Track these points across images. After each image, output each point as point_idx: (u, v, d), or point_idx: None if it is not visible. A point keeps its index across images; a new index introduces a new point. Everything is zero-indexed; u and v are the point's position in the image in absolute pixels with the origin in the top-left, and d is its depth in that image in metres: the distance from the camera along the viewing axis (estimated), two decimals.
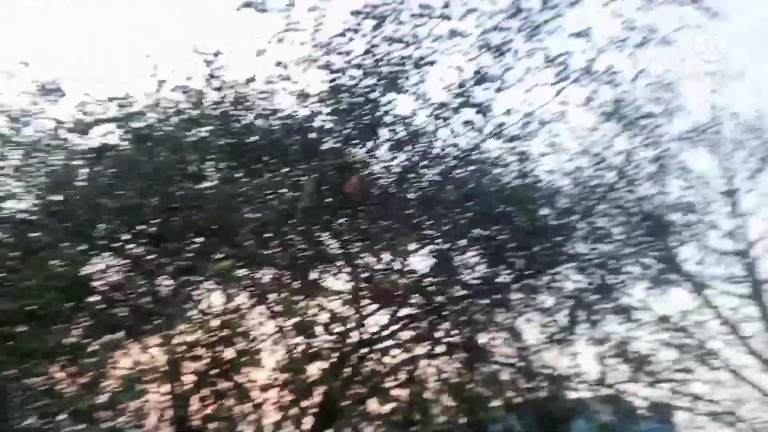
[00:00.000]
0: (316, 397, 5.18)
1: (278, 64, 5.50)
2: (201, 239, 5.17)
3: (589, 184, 7.04)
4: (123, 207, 5.17)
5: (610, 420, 6.96)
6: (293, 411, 5.04)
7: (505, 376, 6.58)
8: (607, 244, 7.00)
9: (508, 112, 6.04)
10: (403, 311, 6.14)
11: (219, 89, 5.50)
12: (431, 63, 5.97)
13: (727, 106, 10.74)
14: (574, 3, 5.32)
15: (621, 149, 7.20)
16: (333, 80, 5.81)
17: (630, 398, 6.97)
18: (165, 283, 5.30)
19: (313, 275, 5.70)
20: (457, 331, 6.37)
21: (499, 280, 6.55)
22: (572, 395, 6.85)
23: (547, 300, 6.89)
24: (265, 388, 5.00)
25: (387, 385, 5.67)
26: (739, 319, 9.79)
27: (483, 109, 6.01)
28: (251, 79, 5.53)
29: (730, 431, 7.50)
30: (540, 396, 6.49)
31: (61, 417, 4.50)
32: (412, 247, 6.26)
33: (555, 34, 5.57)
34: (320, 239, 5.86)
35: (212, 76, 5.44)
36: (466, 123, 6.03)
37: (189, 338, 4.83)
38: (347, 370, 5.37)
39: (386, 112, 6.05)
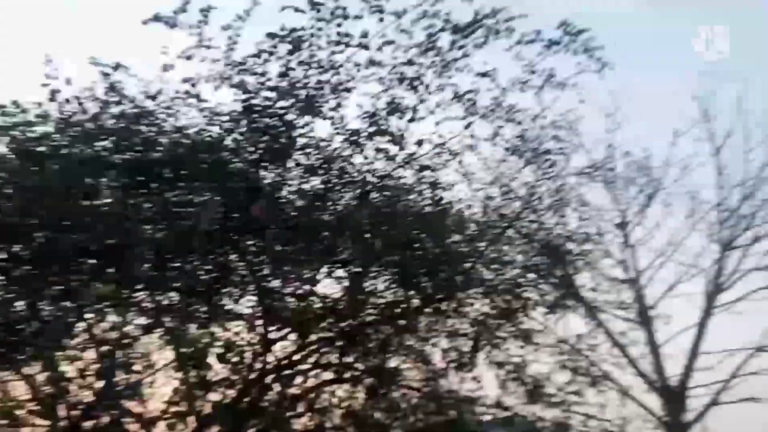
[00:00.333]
0: (212, 430, 4.93)
1: (186, 80, 5.31)
2: (91, 260, 4.82)
3: (496, 213, 7.42)
4: (3, 224, 4.72)
5: None
6: None
7: (410, 401, 6.65)
8: (511, 269, 7.37)
9: (419, 142, 6.23)
10: (311, 337, 6.06)
11: (119, 102, 5.21)
12: (348, 90, 6.04)
13: (620, 146, 11.86)
14: (480, 45, 5.64)
15: (525, 181, 7.66)
16: (246, 100, 5.70)
17: (529, 419, 7.30)
18: (47, 308, 4.87)
19: (216, 299, 5.48)
20: (365, 357, 6.37)
21: (409, 304, 6.66)
22: (475, 418, 7.05)
23: (454, 324, 7.11)
24: (154, 422, 4.69)
25: (288, 414, 5.52)
26: (627, 342, 10.68)
27: (396, 139, 6.16)
28: (156, 94, 5.30)
29: None
30: (444, 420, 6.62)
31: None
32: (323, 270, 6.22)
33: (464, 73, 5.85)
34: (225, 262, 5.66)
35: (112, 89, 5.15)
36: (379, 150, 6.14)
37: (70, 367, 4.45)
38: (247, 401, 5.17)
39: (301, 135, 6.02)
